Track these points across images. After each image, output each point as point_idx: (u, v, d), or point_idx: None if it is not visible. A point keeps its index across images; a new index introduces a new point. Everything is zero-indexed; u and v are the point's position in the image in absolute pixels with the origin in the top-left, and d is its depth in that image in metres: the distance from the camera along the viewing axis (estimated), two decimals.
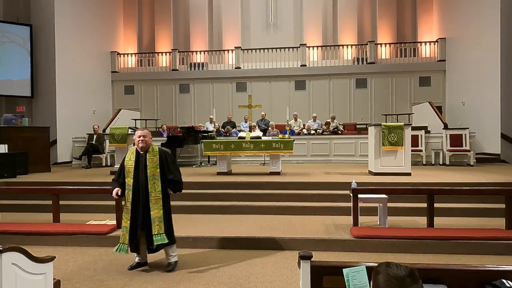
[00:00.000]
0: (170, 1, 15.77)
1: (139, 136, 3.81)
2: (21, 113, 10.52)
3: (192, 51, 15.36)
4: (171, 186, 3.92)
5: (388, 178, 6.82)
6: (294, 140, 8.31)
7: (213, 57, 15.28)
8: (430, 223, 4.79)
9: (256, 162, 10.71)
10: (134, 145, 3.95)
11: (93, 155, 10.69)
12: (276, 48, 14.70)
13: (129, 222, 3.77)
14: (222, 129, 12.35)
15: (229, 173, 8.26)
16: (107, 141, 10.26)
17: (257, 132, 9.03)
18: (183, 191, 6.76)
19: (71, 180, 7.46)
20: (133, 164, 3.79)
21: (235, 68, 14.88)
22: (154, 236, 3.73)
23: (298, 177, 7.51)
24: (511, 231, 4.55)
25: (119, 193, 3.82)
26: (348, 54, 14.74)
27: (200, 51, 15.26)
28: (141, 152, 3.83)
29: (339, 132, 11.36)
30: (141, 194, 3.77)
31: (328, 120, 11.85)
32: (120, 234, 3.88)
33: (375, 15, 15.03)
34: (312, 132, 11.27)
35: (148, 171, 3.78)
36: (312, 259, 2.25)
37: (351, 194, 4.98)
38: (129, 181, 3.78)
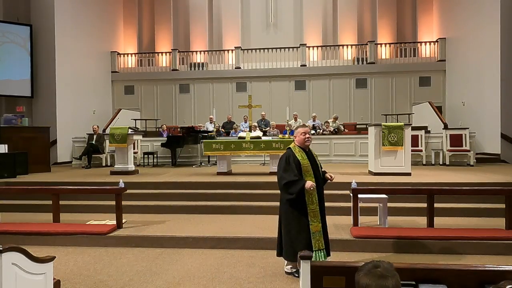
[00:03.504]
0: (170, 1, 15.77)
1: (306, 133, 3.62)
2: (21, 113, 10.52)
3: (192, 51, 15.36)
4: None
5: (388, 178, 6.82)
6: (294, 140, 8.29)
7: (213, 57, 15.27)
8: (430, 223, 4.79)
9: (256, 162, 10.71)
10: (295, 144, 3.64)
11: (93, 155, 10.68)
12: (276, 48, 14.70)
13: (320, 225, 3.46)
14: (222, 129, 12.35)
15: (229, 173, 8.26)
16: (107, 141, 10.25)
17: (257, 132, 9.03)
18: (183, 191, 6.78)
19: (71, 180, 7.46)
20: (309, 162, 3.53)
21: (235, 68, 14.88)
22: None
23: None
24: (511, 231, 4.55)
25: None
26: (348, 54, 14.73)
27: (200, 51, 15.26)
28: (306, 150, 3.62)
29: (340, 132, 11.35)
30: (320, 193, 3.53)
31: (328, 120, 11.85)
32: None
33: (375, 15, 15.03)
34: (312, 132, 11.26)
35: (320, 169, 3.60)
36: (312, 259, 2.25)
37: (351, 194, 4.98)
38: (311, 180, 3.46)
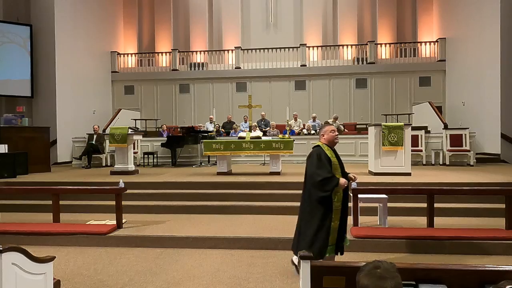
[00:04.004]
0: (170, 1, 15.77)
1: (335, 131, 3.60)
2: (21, 113, 10.51)
3: (192, 51, 15.36)
4: None
5: (388, 178, 6.82)
6: (294, 140, 8.31)
7: (213, 57, 15.27)
8: (430, 223, 4.79)
9: (256, 162, 10.71)
10: (323, 142, 3.58)
11: (93, 155, 10.69)
12: (276, 48, 14.70)
13: (338, 222, 3.46)
14: (222, 129, 12.35)
15: (229, 173, 8.26)
16: (107, 141, 10.26)
17: (257, 132, 9.03)
18: (183, 191, 6.77)
19: (71, 180, 7.46)
20: (337, 160, 3.53)
21: (235, 68, 14.88)
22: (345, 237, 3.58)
23: (298, 177, 7.48)
24: (511, 231, 4.55)
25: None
26: (348, 54, 14.73)
27: (200, 51, 15.26)
28: (332, 148, 3.61)
29: (340, 132, 11.35)
30: (345, 192, 3.53)
31: (328, 120, 11.84)
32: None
33: (375, 15, 15.03)
34: (312, 132, 11.26)
35: (344, 168, 3.61)
36: (312, 259, 2.25)
37: (351, 194, 4.97)
38: (339, 177, 3.46)
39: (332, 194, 3.41)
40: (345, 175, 3.57)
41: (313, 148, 3.63)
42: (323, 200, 3.40)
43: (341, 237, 3.52)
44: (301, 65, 14.53)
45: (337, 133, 3.64)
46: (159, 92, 15.29)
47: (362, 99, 14.34)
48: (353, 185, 5.18)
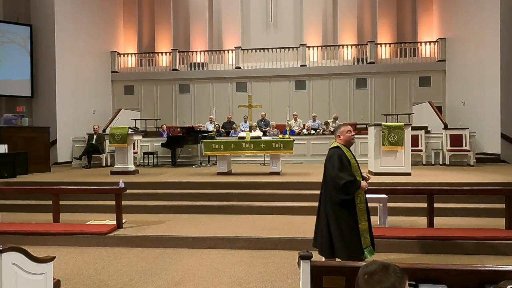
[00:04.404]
0: (170, 1, 15.77)
1: (351, 131, 3.54)
2: (21, 113, 10.51)
3: (192, 51, 15.36)
4: None
5: (388, 178, 6.82)
6: (294, 140, 8.31)
7: (213, 57, 15.27)
8: (430, 223, 4.79)
9: (256, 162, 10.71)
10: (340, 143, 3.50)
11: (93, 155, 10.69)
12: (276, 48, 14.70)
13: (367, 223, 3.44)
14: (222, 129, 12.35)
15: (229, 173, 8.26)
16: (107, 141, 10.26)
17: (257, 132, 9.03)
18: (183, 191, 6.77)
19: (71, 180, 7.46)
20: (356, 161, 3.48)
21: (235, 68, 14.88)
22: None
23: (298, 177, 7.51)
24: (511, 231, 4.55)
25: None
26: (348, 54, 14.73)
27: (200, 51, 15.26)
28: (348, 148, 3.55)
29: None
30: (365, 192, 3.49)
31: (327, 120, 11.85)
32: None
33: (375, 15, 15.03)
34: (312, 132, 11.27)
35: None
36: (312, 259, 2.25)
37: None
38: (360, 179, 3.43)
39: (354, 196, 3.36)
40: (361, 175, 3.52)
41: (330, 149, 3.52)
42: (346, 203, 3.35)
43: (372, 238, 3.47)
44: (301, 65, 14.53)
45: (353, 133, 3.57)
46: (159, 92, 15.29)
47: (362, 99, 14.34)
48: None
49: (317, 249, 3.49)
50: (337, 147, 3.47)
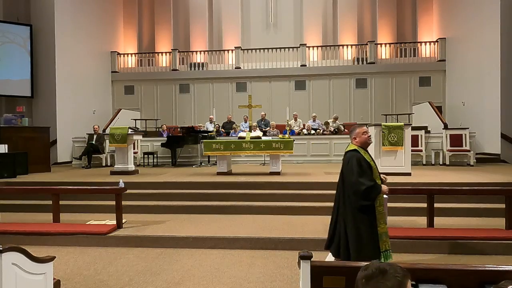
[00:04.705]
0: (170, 1, 15.77)
1: (367, 132, 3.45)
2: (21, 113, 10.52)
3: (192, 51, 15.36)
4: None
5: (388, 178, 6.78)
6: (294, 140, 8.31)
7: (213, 57, 15.27)
8: (430, 223, 4.79)
9: (256, 162, 10.71)
10: (356, 145, 3.42)
11: (93, 155, 10.69)
12: (276, 48, 14.70)
13: (386, 226, 3.36)
14: (222, 129, 12.35)
15: (229, 173, 8.26)
16: (107, 141, 10.26)
17: (257, 132, 9.03)
18: (183, 191, 6.76)
19: (71, 180, 7.46)
20: (374, 164, 3.40)
21: (235, 68, 14.88)
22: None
23: (298, 177, 7.51)
24: (511, 231, 4.55)
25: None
26: (348, 54, 14.73)
27: (200, 51, 15.26)
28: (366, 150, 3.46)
29: (340, 132, 11.35)
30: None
31: (328, 120, 11.85)
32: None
33: (375, 15, 15.03)
34: (312, 132, 11.27)
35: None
36: (312, 259, 2.25)
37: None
38: (379, 182, 3.34)
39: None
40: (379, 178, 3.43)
41: (348, 151, 3.40)
42: (366, 208, 3.27)
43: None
44: (301, 65, 14.54)
45: (370, 134, 3.48)
46: (159, 92, 15.29)
47: (362, 99, 14.34)
48: None
49: (329, 251, 3.46)
50: (354, 150, 3.35)
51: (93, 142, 10.69)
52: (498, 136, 10.40)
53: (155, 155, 10.82)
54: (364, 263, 1.54)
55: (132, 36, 16.05)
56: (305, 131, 11.38)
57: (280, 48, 14.68)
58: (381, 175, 3.49)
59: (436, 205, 4.86)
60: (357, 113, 14.27)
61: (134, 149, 9.85)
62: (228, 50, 15.19)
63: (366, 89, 14.37)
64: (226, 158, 8.22)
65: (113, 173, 8.30)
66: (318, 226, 5.06)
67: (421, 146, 10.01)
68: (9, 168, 8.18)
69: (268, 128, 11.57)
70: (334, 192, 6.25)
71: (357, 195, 3.21)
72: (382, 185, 3.28)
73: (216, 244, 4.64)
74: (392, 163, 7.34)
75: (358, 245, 3.25)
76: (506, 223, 4.64)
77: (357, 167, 3.23)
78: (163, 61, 15.56)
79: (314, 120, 11.96)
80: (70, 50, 12.52)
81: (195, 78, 15.07)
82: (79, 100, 12.85)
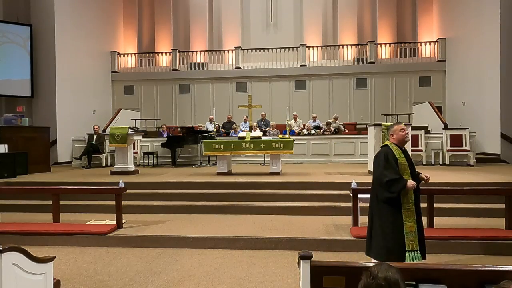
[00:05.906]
0: (170, 1, 15.77)
1: (405, 130, 3.45)
2: (21, 113, 10.52)
3: (192, 51, 15.36)
4: None
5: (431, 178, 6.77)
6: (294, 140, 8.31)
7: (213, 57, 15.27)
8: (430, 223, 4.79)
9: (256, 162, 10.70)
10: (392, 142, 3.44)
11: (93, 155, 10.68)
12: (276, 48, 14.70)
13: (415, 225, 3.31)
14: (222, 129, 12.35)
15: (229, 173, 8.26)
16: (107, 141, 10.26)
17: (257, 132, 9.03)
18: (183, 191, 6.77)
19: (71, 180, 7.46)
20: (405, 160, 3.40)
21: (235, 68, 14.88)
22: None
23: (298, 177, 7.51)
24: (511, 231, 4.55)
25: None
26: (348, 54, 14.73)
27: (200, 51, 15.26)
28: (402, 148, 3.47)
29: (340, 132, 11.35)
30: (416, 193, 3.41)
31: (329, 120, 11.84)
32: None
33: (375, 15, 15.03)
34: (312, 132, 11.26)
35: (415, 168, 3.48)
36: (312, 259, 2.25)
37: (351, 194, 4.97)
38: (408, 178, 3.33)
39: (400, 195, 3.29)
40: (414, 175, 3.44)
41: (381, 147, 3.53)
42: (390, 201, 3.31)
43: (422, 241, 3.37)
44: (301, 65, 14.53)
45: (407, 131, 3.50)
46: (159, 92, 15.29)
47: (362, 99, 14.34)
48: (353, 185, 5.18)
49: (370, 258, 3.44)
50: (385, 145, 3.48)
51: (93, 142, 10.69)
52: (498, 136, 10.40)
53: (155, 155, 10.81)
54: (363, 263, 1.54)
55: (132, 36, 16.04)
56: (305, 131, 11.38)
57: (280, 48, 14.67)
58: (422, 174, 3.53)
59: (436, 205, 4.86)
60: (357, 113, 14.27)
61: (134, 149, 9.85)
62: (228, 50, 15.19)
63: (366, 89, 14.37)
64: (226, 158, 8.22)
65: (113, 173, 8.30)
66: (318, 226, 5.07)
67: (421, 146, 10.01)
68: (9, 168, 8.18)
69: (268, 128, 11.57)
70: (334, 192, 6.31)
71: (382, 186, 3.34)
72: (409, 180, 3.28)
73: (216, 244, 4.64)
74: None
75: (383, 241, 3.28)
76: (506, 223, 4.64)
77: (384, 161, 3.36)
78: (163, 61, 15.56)
79: (314, 120, 11.96)
80: (70, 50, 12.52)
81: (195, 78, 15.06)
82: (79, 100, 12.85)
